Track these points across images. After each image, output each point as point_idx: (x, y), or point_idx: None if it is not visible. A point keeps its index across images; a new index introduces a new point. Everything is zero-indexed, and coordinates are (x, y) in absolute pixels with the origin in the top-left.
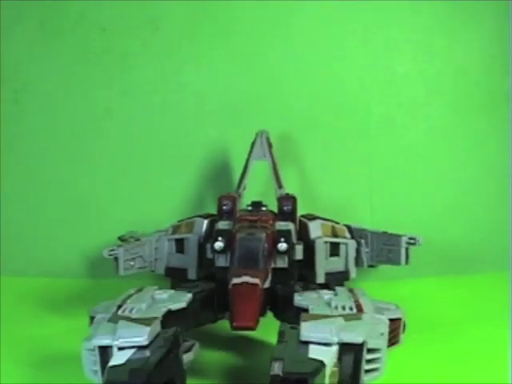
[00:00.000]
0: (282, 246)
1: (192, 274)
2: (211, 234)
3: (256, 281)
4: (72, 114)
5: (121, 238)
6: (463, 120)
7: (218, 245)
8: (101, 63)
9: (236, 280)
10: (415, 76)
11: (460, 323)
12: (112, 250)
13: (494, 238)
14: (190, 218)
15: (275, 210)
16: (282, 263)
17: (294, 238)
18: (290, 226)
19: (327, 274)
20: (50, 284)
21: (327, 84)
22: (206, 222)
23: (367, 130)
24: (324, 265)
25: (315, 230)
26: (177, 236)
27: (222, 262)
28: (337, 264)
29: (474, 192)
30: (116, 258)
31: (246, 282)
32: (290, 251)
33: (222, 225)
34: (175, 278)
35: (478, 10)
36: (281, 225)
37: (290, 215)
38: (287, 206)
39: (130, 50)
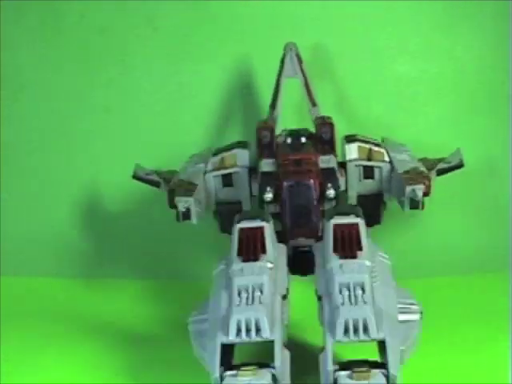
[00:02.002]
0: (331, 193)
1: (247, 205)
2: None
3: (310, 242)
4: (71, 113)
5: (157, 172)
6: (463, 120)
7: (268, 196)
8: (100, 63)
9: (292, 242)
10: (415, 76)
11: (460, 323)
12: (185, 202)
13: (494, 238)
14: (226, 150)
15: (311, 127)
16: (328, 207)
17: (338, 178)
18: (332, 161)
19: (360, 196)
20: (50, 284)
21: None
22: (247, 152)
23: None
24: (356, 187)
25: (351, 152)
26: (223, 171)
27: (272, 209)
28: (370, 186)
29: (474, 192)
30: (188, 209)
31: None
32: (337, 197)
33: (266, 165)
34: (227, 214)
35: (477, 9)
36: (324, 160)
37: (329, 143)
38: (326, 134)
39: (129, 50)
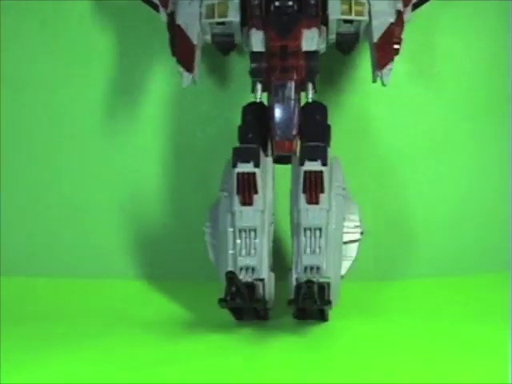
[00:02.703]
0: (309, 98)
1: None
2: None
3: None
4: (72, 114)
5: None
6: (463, 121)
7: (258, 96)
8: (101, 63)
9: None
10: (415, 76)
11: (459, 324)
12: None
13: (494, 238)
14: None
15: None
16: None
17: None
18: (315, 39)
19: (338, 34)
20: (50, 284)
21: None
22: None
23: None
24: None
25: (334, 11)
26: (217, 20)
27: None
28: (348, 28)
29: (474, 193)
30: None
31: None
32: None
33: (256, 42)
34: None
35: (478, 10)
36: (307, 38)
37: (314, 7)
38: None
39: (130, 51)
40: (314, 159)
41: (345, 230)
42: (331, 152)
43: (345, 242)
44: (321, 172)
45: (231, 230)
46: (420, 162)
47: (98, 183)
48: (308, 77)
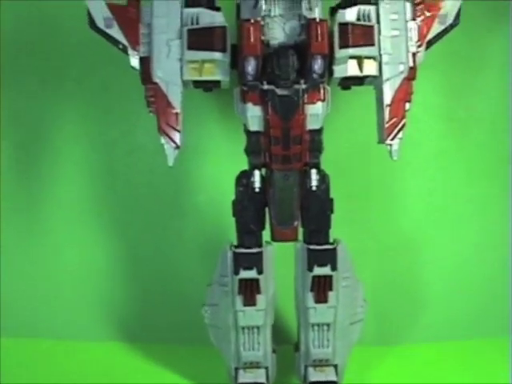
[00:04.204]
0: (313, 185)
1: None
2: None
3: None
4: (74, 168)
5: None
6: (463, 185)
7: (257, 185)
8: (104, 121)
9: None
10: (417, 136)
11: None
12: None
13: (494, 303)
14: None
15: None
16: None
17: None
18: (320, 118)
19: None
20: (52, 346)
21: None
22: (228, 62)
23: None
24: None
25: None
26: (203, 78)
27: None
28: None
29: (474, 257)
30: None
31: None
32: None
33: (253, 120)
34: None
35: (478, 73)
36: (312, 114)
37: (319, 76)
38: (317, 66)
39: (132, 110)
40: (323, 265)
41: (352, 311)
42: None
43: (352, 323)
44: (330, 276)
45: (234, 326)
46: (420, 227)
47: (94, 249)
48: (311, 157)
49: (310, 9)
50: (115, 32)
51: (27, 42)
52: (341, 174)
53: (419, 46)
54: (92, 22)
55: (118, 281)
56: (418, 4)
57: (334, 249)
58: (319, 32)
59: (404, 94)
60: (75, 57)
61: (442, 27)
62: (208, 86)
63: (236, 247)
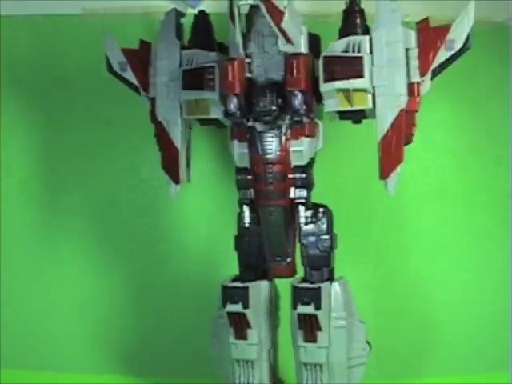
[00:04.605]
0: (301, 222)
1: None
2: None
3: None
4: (77, 208)
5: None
6: (465, 217)
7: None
8: (107, 157)
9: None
10: (418, 173)
11: None
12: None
13: (494, 337)
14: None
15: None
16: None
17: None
18: (306, 154)
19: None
20: (51, 378)
21: None
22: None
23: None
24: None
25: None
26: (199, 117)
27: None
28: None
29: (474, 291)
30: None
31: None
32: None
33: (240, 157)
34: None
35: (477, 108)
36: (295, 154)
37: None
38: (296, 102)
39: (135, 145)
40: (306, 303)
41: (352, 354)
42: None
43: (351, 367)
44: (315, 315)
45: (229, 358)
46: (419, 260)
47: (94, 282)
48: (297, 193)
49: (290, 42)
50: (129, 75)
51: (33, 78)
52: (341, 209)
53: (423, 75)
54: (110, 67)
55: (120, 315)
56: (423, 30)
57: (318, 288)
58: (295, 67)
59: (401, 127)
60: (81, 93)
61: (450, 53)
62: (212, 124)
63: (234, 280)
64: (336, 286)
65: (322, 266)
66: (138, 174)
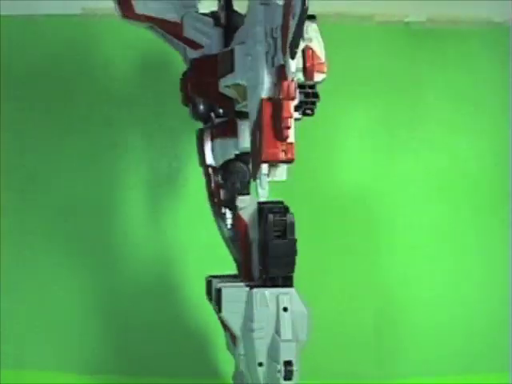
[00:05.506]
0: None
1: None
2: None
3: None
4: (78, 209)
5: None
6: (465, 217)
7: None
8: (108, 158)
9: None
10: (418, 173)
11: None
12: None
13: (494, 339)
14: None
15: None
16: None
17: None
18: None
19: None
20: (51, 378)
21: None
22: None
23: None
24: None
25: None
26: None
27: None
28: None
29: (474, 293)
30: None
31: None
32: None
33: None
34: None
35: (479, 111)
36: None
37: None
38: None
39: (136, 145)
40: (216, 302)
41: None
42: None
43: None
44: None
45: None
46: (419, 260)
47: (93, 284)
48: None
49: None
50: None
51: (33, 79)
52: (340, 209)
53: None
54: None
55: (120, 315)
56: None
57: (219, 289)
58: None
59: (264, 119)
60: (81, 93)
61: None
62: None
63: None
64: (262, 294)
65: (265, 270)
66: (138, 174)
